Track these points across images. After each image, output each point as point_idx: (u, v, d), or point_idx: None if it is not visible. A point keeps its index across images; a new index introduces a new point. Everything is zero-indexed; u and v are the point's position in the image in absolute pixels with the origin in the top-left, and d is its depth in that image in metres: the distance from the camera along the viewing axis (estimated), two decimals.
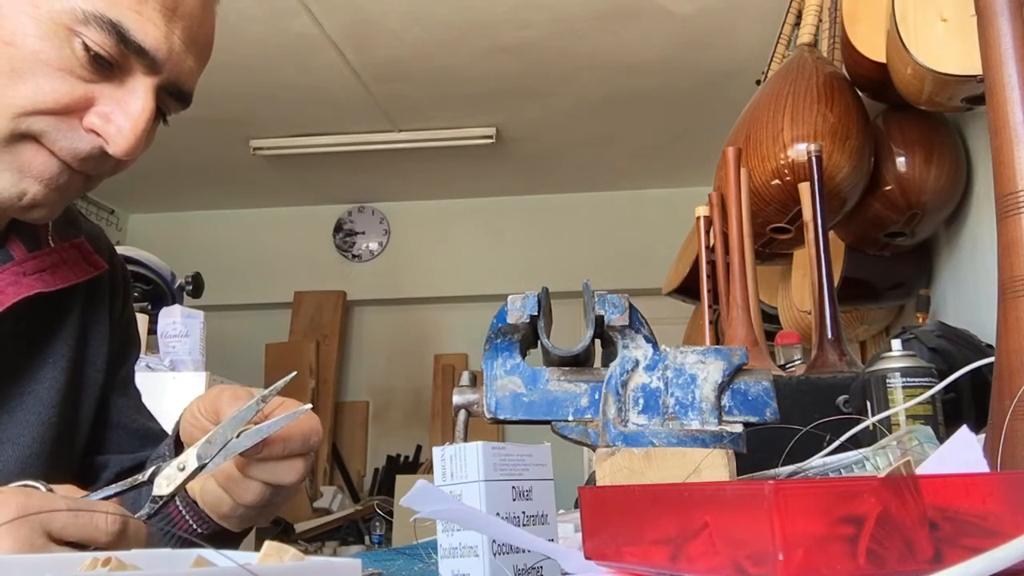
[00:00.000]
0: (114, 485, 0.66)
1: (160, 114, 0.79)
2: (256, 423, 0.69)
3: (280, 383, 0.67)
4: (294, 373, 0.73)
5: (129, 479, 0.67)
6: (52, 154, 0.74)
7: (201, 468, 0.66)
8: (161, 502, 0.66)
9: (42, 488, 0.60)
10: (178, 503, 0.79)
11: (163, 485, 0.66)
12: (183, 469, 0.66)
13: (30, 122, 0.72)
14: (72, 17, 0.71)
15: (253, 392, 0.72)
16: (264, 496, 0.74)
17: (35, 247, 0.86)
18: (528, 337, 0.71)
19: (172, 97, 0.79)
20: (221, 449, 0.66)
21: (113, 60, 0.73)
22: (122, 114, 0.74)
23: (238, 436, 0.67)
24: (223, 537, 0.79)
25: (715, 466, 0.65)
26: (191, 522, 0.79)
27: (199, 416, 0.75)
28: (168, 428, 1.03)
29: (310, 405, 0.71)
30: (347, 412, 5.15)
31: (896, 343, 1.10)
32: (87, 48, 0.72)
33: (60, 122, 0.73)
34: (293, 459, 0.73)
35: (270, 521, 0.83)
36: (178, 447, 0.82)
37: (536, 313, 0.69)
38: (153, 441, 0.98)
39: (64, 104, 0.72)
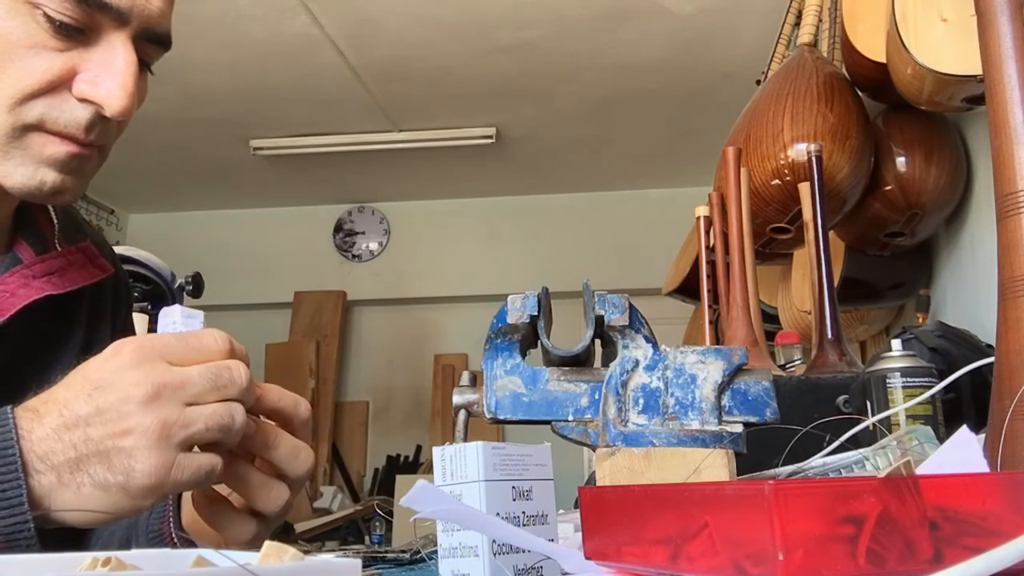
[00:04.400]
0: None
1: (144, 64, 0.78)
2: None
3: None
4: None
5: None
6: (59, 137, 0.74)
7: None
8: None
9: None
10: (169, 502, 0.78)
11: None
12: None
13: (26, 110, 0.72)
14: None
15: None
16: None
17: (42, 250, 0.86)
18: (528, 337, 0.71)
19: (150, 43, 0.77)
20: None
21: (79, 23, 0.72)
22: (107, 74, 0.73)
23: None
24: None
25: (715, 466, 0.65)
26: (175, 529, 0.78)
27: None
28: None
29: None
30: (347, 412, 5.14)
31: (896, 343, 1.10)
32: (50, 19, 0.71)
33: (52, 100, 0.73)
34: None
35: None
36: None
37: (536, 313, 0.69)
38: None
39: (49, 81, 0.72)
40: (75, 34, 0.72)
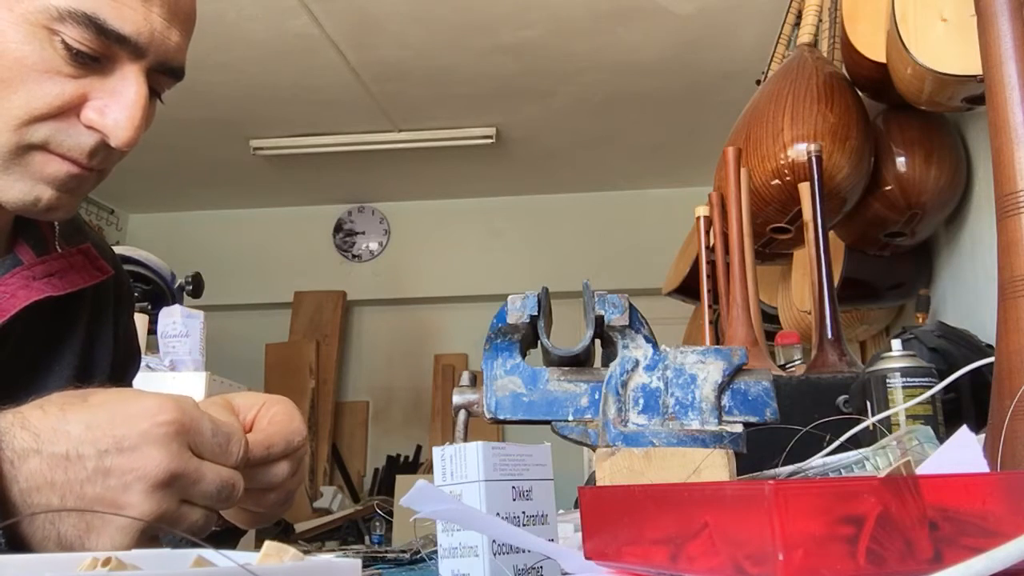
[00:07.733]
0: None
1: (155, 93, 0.78)
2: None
3: None
4: None
5: None
6: (62, 159, 0.74)
7: None
8: None
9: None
10: None
11: None
12: None
13: (32, 131, 0.72)
14: (47, 16, 0.70)
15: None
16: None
17: (43, 252, 0.86)
18: (528, 337, 0.71)
19: (164, 75, 0.77)
20: None
21: (96, 53, 0.72)
22: (117, 105, 0.73)
23: None
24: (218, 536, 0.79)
25: (715, 466, 0.65)
26: None
27: None
28: None
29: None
30: (347, 412, 5.14)
31: (896, 343, 1.10)
32: (68, 46, 0.71)
33: (60, 124, 0.73)
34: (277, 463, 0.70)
35: (272, 522, 0.82)
36: None
37: (536, 313, 0.69)
38: None
39: (58, 106, 0.72)
40: (90, 63, 0.72)
